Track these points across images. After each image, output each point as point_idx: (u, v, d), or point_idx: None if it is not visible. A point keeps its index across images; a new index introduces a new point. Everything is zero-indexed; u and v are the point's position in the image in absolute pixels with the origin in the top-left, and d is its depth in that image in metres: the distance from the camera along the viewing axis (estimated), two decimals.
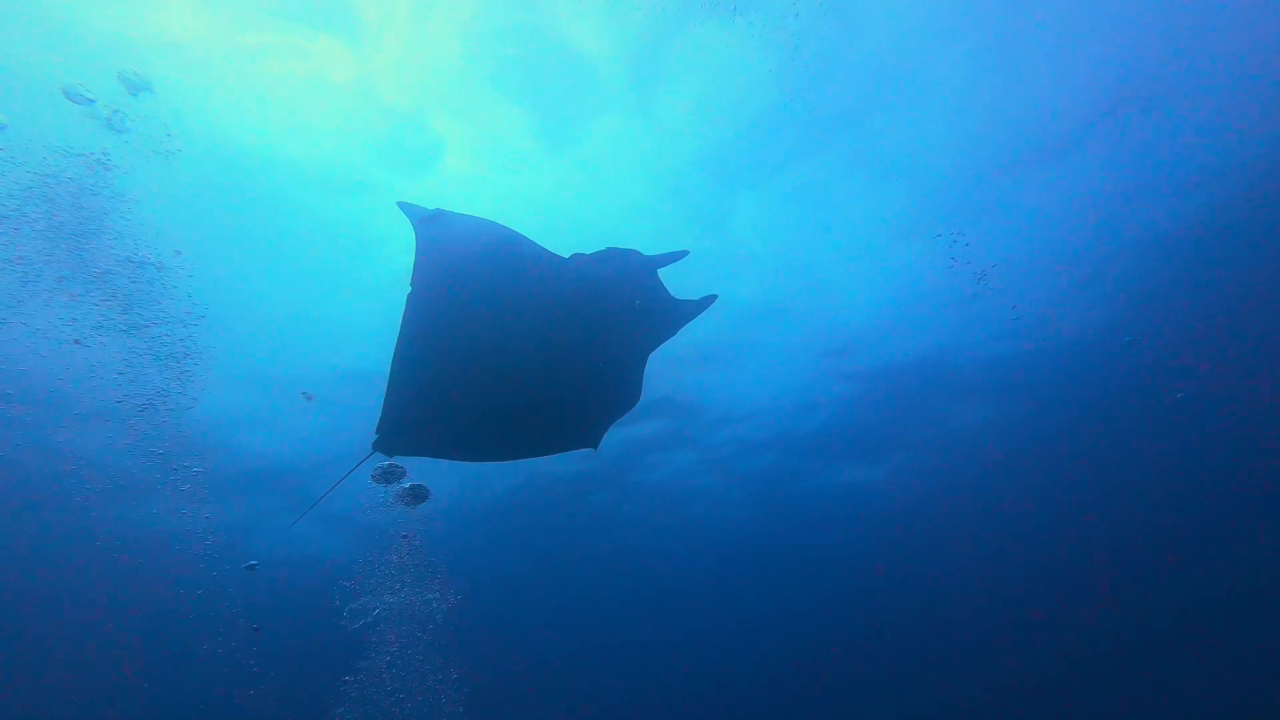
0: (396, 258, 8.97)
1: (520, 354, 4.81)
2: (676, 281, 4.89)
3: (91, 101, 6.26)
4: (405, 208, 4.55)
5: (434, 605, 11.18)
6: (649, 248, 4.76)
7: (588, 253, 4.75)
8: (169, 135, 6.84)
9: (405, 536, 9.98)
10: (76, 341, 7.78)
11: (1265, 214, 9.91)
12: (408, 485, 7.42)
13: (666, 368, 10.99)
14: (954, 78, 7.85)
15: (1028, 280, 10.70)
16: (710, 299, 4.73)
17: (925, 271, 10.33)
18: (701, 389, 12.42)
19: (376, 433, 4.96)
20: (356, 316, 9.67)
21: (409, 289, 4.63)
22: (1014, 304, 10.91)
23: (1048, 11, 7.38)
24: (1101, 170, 9.14)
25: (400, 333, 4.66)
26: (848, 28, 7.20)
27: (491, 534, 16.13)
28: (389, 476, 7.47)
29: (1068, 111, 8.40)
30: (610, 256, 4.68)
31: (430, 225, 4.55)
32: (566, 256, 4.72)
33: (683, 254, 4.68)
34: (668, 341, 5.03)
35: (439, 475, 8.56)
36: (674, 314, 4.79)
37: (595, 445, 5.45)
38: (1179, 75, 8.06)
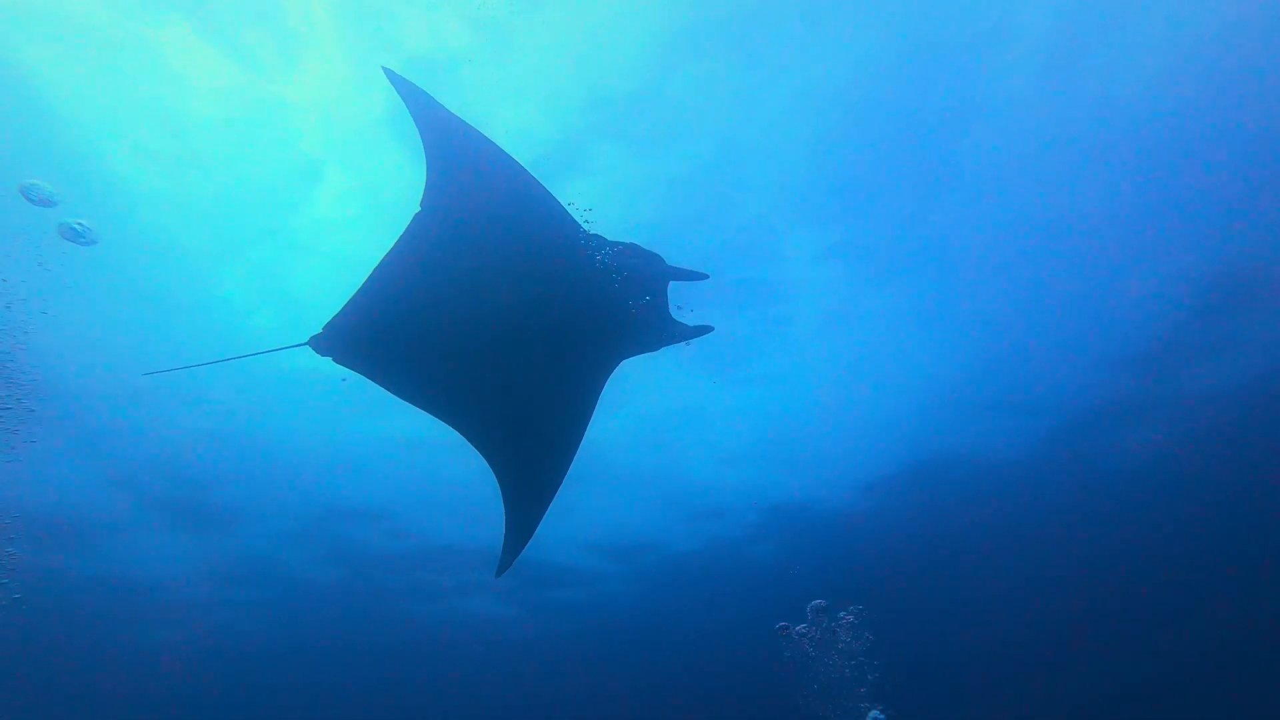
0: None
1: (508, 311, 4.66)
2: None
3: None
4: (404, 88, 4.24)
5: None
6: None
7: (609, 239, 4.64)
8: None
9: None
10: None
11: None
12: (82, 224, 6.92)
13: None
14: None
15: None
16: (706, 328, 4.78)
17: None
18: None
19: (324, 328, 4.59)
20: None
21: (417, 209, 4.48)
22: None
23: None
24: None
25: (395, 246, 4.48)
26: None
27: None
28: (34, 193, 6.78)
29: None
30: (633, 251, 4.63)
31: (438, 131, 4.27)
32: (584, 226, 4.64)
33: (703, 276, 4.64)
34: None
35: None
36: (667, 331, 4.79)
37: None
38: None
